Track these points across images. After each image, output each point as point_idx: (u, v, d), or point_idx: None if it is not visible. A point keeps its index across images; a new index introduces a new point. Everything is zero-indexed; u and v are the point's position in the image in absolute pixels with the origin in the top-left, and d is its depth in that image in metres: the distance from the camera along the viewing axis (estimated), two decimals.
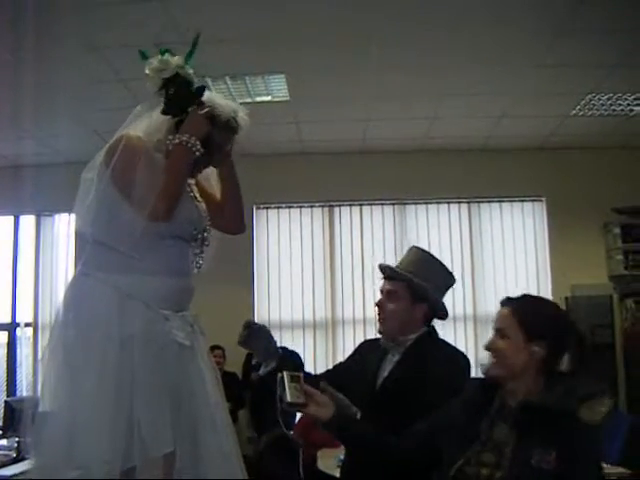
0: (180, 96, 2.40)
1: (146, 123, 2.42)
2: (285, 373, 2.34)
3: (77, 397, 2.20)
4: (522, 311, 2.23)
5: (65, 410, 2.21)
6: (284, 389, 2.31)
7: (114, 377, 2.18)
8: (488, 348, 2.28)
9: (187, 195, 2.47)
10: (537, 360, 2.17)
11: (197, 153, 2.35)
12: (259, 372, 2.89)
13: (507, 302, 2.30)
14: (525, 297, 2.33)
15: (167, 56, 2.40)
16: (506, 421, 2.18)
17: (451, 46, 5.21)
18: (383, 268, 2.91)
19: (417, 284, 2.75)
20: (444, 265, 2.90)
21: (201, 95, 2.43)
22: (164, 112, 2.41)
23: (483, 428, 2.21)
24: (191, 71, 2.43)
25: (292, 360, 2.91)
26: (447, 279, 2.89)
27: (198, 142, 2.34)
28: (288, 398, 2.30)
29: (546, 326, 2.19)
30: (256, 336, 2.83)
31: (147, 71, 2.41)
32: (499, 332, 2.26)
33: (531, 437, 2.08)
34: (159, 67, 2.39)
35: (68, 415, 2.20)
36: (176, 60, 2.39)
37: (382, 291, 2.87)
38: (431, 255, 2.92)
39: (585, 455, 2.03)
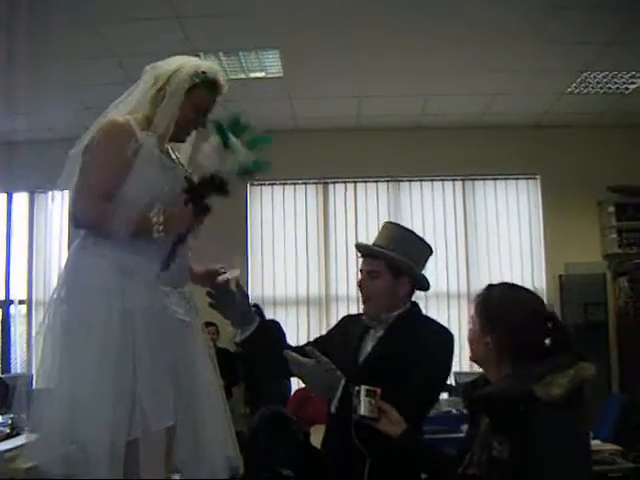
0: (208, 191, 2.36)
1: (128, 101, 2.39)
2: (363, 387, 2.37)
3: (78, 371, 2.19)
4: (484, 302, 2.18)
5: (66, 385, 2.20)
6: (359, 401, 2.36)
7: (116, 350, 2.17)
8: None
9: (171, 170, 2.42)
10: (493, 350, 2.10)
11: (155, 235, 2.26)
12: (236, 340, 2.71)
13: (484, 289, 2.24)
14: (499, 285, 2.25)
15: (232, 143, 2.41)
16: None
17: (446, 24, 5.19)
18: (360, 247, 2.87)
19: (397, 260, 2.73)
20: (419, 237, 2.87)
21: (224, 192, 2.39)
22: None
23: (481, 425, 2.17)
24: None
25: (276, 328, 2.84)
26: (425, 250, 2.86)
27: (163, 234, 2.25)
28: (362, 411, 2.36)
29: (502, 317, 2.10)
30: (231, 302, 2.63)
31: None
32: (470, 320, 2.25)
33: (494, 428, 2.03)
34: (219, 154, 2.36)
35: (70, 390, 2.19)
36: (231, 161, 2.39)
37: (362, 271, 2.83)
38: (406, 229, 2.90)
39: (543, 436, 1.89)
